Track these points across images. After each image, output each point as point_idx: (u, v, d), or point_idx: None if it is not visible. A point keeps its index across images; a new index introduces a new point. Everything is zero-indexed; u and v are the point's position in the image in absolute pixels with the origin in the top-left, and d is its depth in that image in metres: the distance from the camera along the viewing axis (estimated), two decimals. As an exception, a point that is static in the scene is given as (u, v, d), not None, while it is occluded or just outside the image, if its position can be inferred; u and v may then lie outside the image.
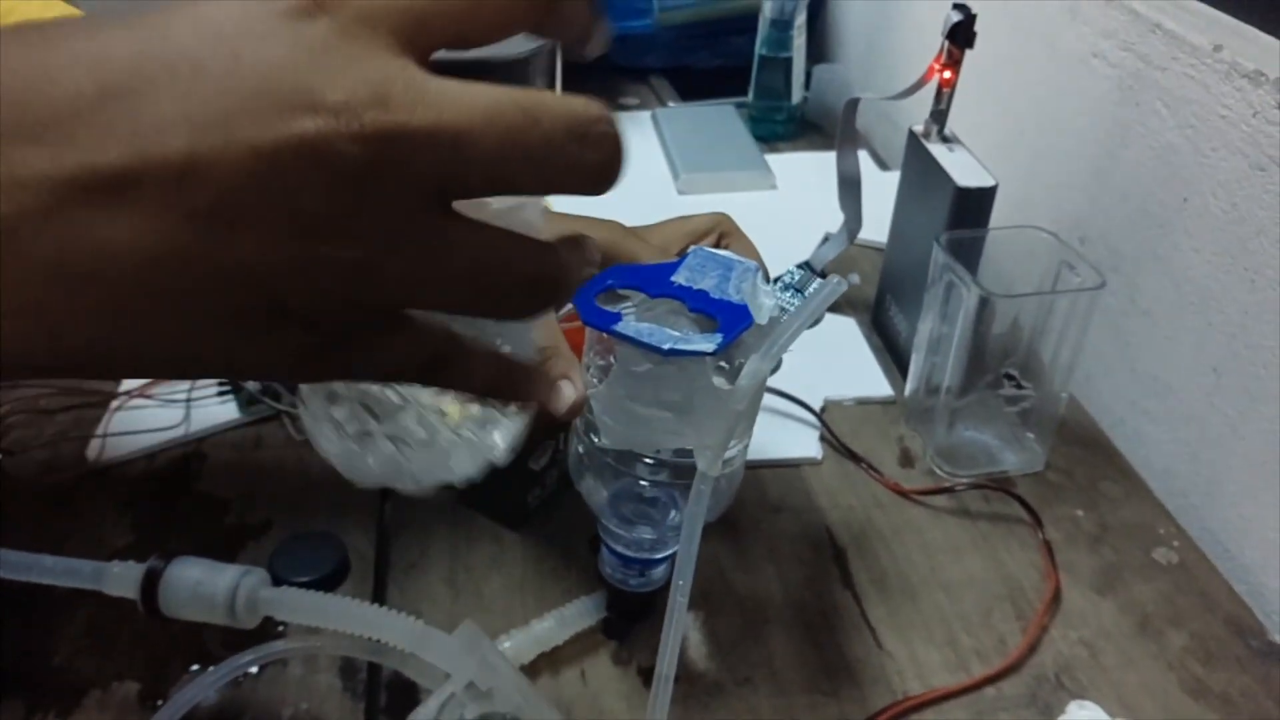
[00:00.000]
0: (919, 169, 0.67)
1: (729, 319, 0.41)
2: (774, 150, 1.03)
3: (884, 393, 0.69)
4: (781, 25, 0.99)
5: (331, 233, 0.23)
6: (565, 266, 0.27)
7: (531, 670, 0.50)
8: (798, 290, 0.50)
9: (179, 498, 0.61)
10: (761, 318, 0.42)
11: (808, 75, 1.07)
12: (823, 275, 0.77)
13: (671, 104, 1.12)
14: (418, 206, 0.23)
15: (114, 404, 0.67)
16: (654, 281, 0.44)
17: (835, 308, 0.78)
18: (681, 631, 0.40)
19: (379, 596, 0.55)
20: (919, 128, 0.68)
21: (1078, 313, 0.59)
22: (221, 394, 0.67)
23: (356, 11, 0.23)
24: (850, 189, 0.73)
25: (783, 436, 0.65)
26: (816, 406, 0.67)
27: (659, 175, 0.97)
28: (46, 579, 0.47)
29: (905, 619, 0.54)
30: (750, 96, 1.05)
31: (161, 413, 0.66)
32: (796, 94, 1.04)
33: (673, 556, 0.52)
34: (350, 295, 0.24)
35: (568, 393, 0.44)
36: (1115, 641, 0.53)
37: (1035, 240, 0.62)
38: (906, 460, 0.64)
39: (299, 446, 0.64)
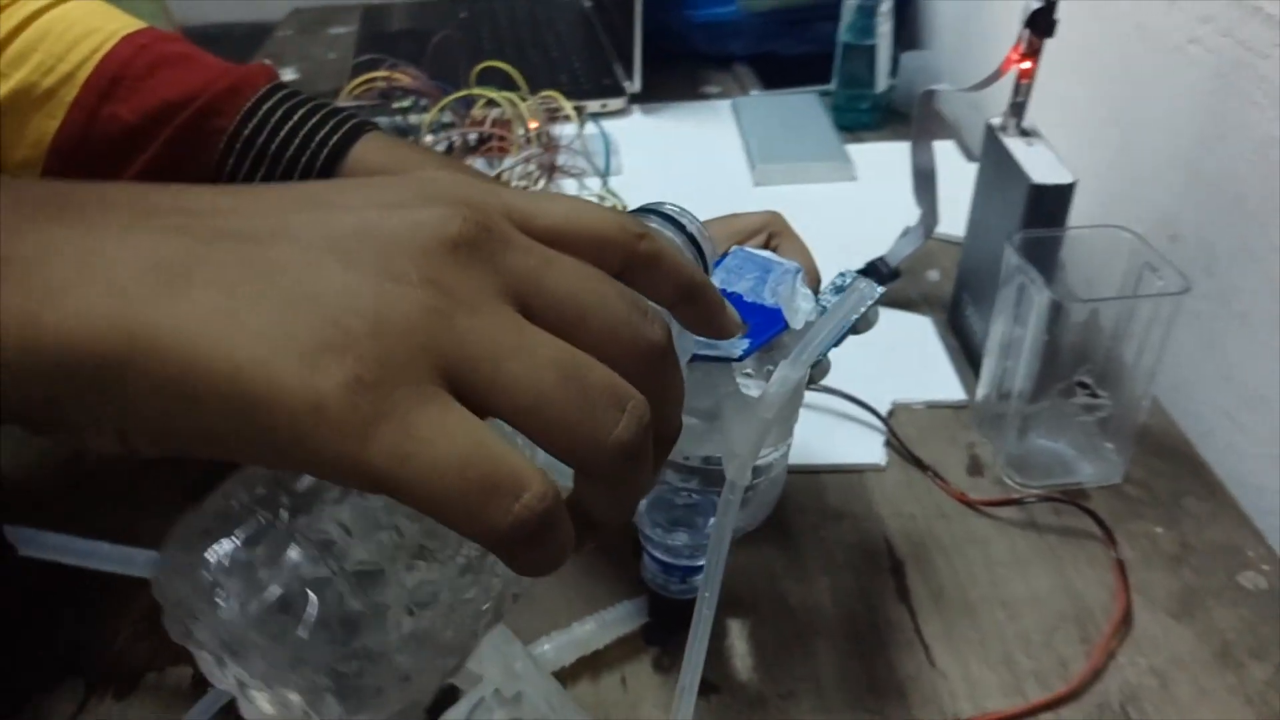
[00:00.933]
0: (995, 164, 0.64)
1: (760, 323, 0.40)
2: (857, 140, 1.00)
3: (956, 397, 0.67)
4: (866, 11, 0.96)
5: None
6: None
7: (572, 673, 0.50)
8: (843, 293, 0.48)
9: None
10: (797, 322, 0.41)
11: (895, 63, 1.03)
12: (895, 274, 0.75)
13: (754, 92, 1.10)
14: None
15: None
16: None
17: (910, 306, 0.75)
18: (705, 644, 0.39)
19: (427, 592, 0.55)
20: (997, 121, 0.65)
21: (1161, 317, 0.56)
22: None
23: None
24: (925, 183, 0.71)
25: (845, 441, 0.63)
26: (884, 409, 0.65)
27: (735, 166, 0.95)
28: (105, 566, 0.48)
29: (961, 636, 0.52)
30: (833, 85, 1.02)
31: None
32: (882, 82, 1.00)
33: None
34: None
35: None
36: (1189, 671, 0.50)
37: (1117, 240, 0.59)
38: (975, 469, 0.62)
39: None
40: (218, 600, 0.25)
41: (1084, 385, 0.59)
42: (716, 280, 0.43)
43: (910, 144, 0.70)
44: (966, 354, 0.70)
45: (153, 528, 0.59)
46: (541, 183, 0.81)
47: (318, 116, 0.53)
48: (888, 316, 0.74)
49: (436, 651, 0.28)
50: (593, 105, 1.04)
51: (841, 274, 0.49)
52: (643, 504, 0.46)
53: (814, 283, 0.51)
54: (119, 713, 0.50)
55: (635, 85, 1.04)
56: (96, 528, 0.57)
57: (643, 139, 1.01)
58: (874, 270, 0.75)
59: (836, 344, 0.48)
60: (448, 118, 0.87)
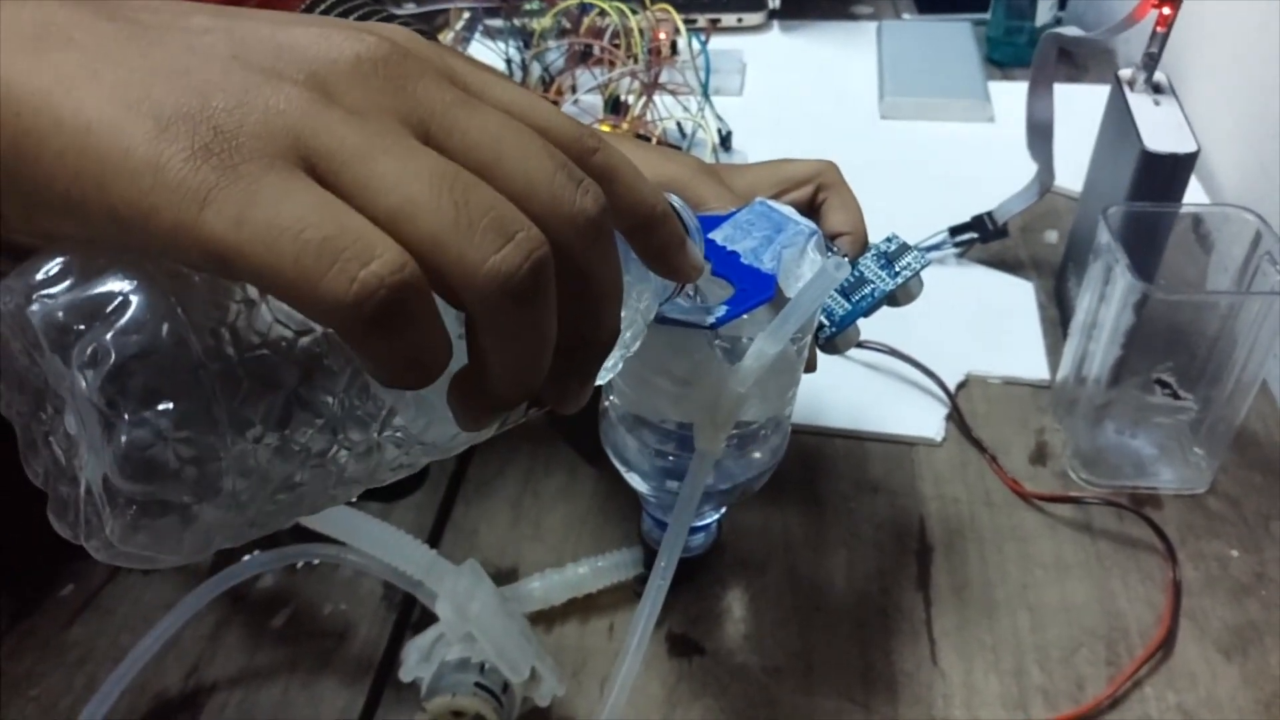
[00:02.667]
0: (1116, 122, 0.57)
1: (747, 289, 0.37)
2: (1008, 77, 0.92)
3: (1039, 375, 0.61)
4: (1034, -67, 0.87)
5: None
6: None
7: (562, 613, 0.50)
8: (888, 262, 0.44)
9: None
10: (794, 290, 0.37)
11: (1065, -5, 0.93)
12: (1002, 231, 0.68)
13: (906, 16, 1.02)
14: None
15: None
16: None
17: (1015, 268, 0.69)
18: (655, 615, 0.37)
19: (444, 509, 0.55)
20: (1126, 73, 0.57)
21: (1274, 316, 0.49)
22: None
23: None
24: (1041, 136, 0.64)
25: (902, 409, 0.59)
26: (957, 378, 0.61)
27: (865, 95, 0.89)
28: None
29: (974, 637, 0.48)
30: (990, 14, 0.93)
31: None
32: (1044, 14, 0.91)
33: (713, 524, 0.49)
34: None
35: None
36: (1225, 717, 0.45)
37: (1237, 223, 0.52)
38: (1040, 457, 0.56)
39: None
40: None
41: (1163, 384, 0.53)
42: (720, 235, 0.39)
43: (1027, 90, 0.63)
44: (1064, 329, 0.64)
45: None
46: (640, 101, 0.78)
47: (376, 18, 0.52)
48: (986, 279, 0.69)
49: (268, 485, 0.25)
50: (728, 19, 0.99)
51: (889, 238, 0.45)
52: (629, 453, 0.44)
53: (861, 248, 0.47)
54: (143, 584, 0.53)
55: (775, 1, 0.99)
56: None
57: (775, 59, 0.96)
58: (980, 225, 0.69)
59: (867, 314, 0.45)
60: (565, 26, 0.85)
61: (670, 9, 0.82)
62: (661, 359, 0.38)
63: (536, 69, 0.85)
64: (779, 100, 0.89)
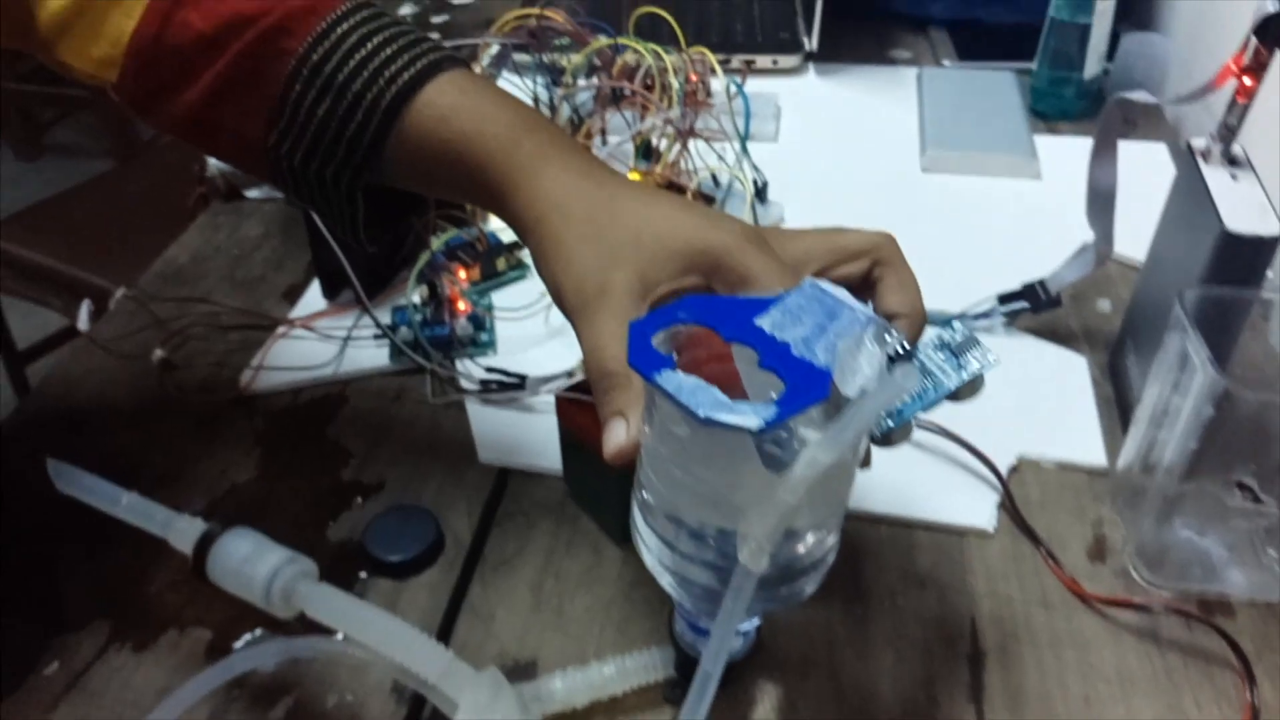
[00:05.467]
0: (1188, 194, 0.53)
1: (799, 386, 0.33)
2: (1053, 131, 0.88)
3: (1095, 460, 0.57)
4: (1085, -16, 0.84)
5: None
6: None
7: (585, 715, 0.46)
8: (954, 354, 0.40)
9: (308, 440, 0.60)
10: (850, 388, 0.34)
11: (1113, 44, 0.90)
12: (1055, 301, 0.65)
13: (946, 63, 0.99)
14: None
15: (279, 330, 0.67)
16: (733, 320, 0.36)
17: (1067, 339, 0.66)
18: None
19: (459, 590, 0.52)
20: (1199, 142, 0.54)
21: (1365, 418, 0.45)
22: (378, 337, 0.66)
23: None
24: (1103, 206, 0.60)
25: (952, 495, 0.55)
26: (1009, 460, 0.57)
27: (906, 145, 0.86)
28: (123, 516, 0.47)
29: (1034, 760, 0.44)
30: (1035, 64, 0.90)
31: (318, 347, 0.66)
32: (1092, 67, 0.88)
33: (753, 630, 0.45)
34: None
35: (616, 434, 0.38)
36: None
37: (1324, 313, 0.48)
38: (1098, 552, 0.53)
39: (435, 407, 0.62)
40: None
41: (1245, 487, 0.49)
42: (768, 321, 0.36)
43: (1090, 156, 0.60)
44: (1120, 409, 0.60)
45: (215, 465, 0.59)
46: (675, 148, 0.75)
47: (392, 48, 0.48)
48: (1037, 351, 0.65)
49: None
50: (763, 60, 0.96)
51: (951, 325, 0.42)
52: (662, 556, 0.41)
53: (919, 330, 0.43)
54: (134, 665, 0.49)
55: (812, 44, 0.95)
56: (145, 472, 0.56)
57: (811, 103, 0.92)
58: (1032, 294, 0.65)
59: (927, 408, 0.41)
60: (596, 63, 0.82)
61: (706, 51, 0.79)
62: (696, 460, 0.34)
63: (566, 109, 0.82)
64: (816, 147, 0.86)
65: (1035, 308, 0.65)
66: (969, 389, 0.41)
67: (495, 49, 0.84)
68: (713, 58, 0.78)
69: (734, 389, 0.37)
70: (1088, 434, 0.59)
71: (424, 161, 0.48)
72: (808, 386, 0.34)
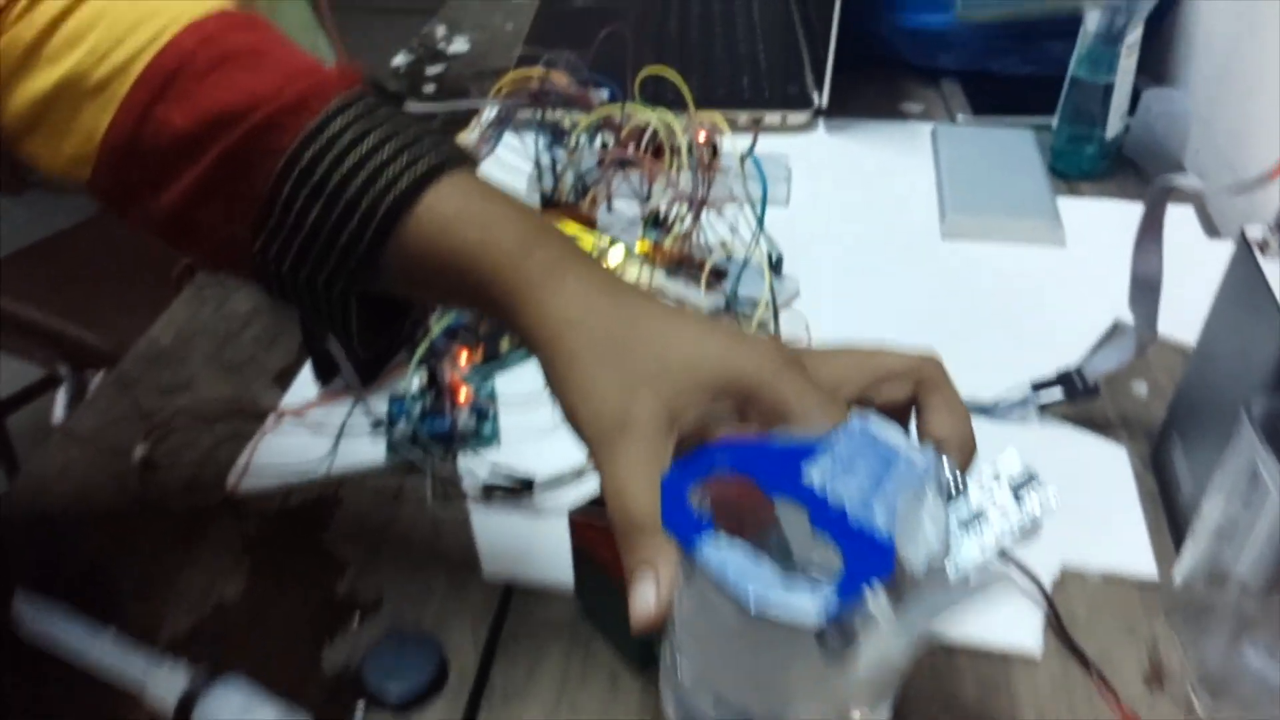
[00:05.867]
0: (1245, 289, 0.50)
1: (859, 561, 0.29)
2: (1074, 192, 0.85)
3: (1144, 570, 0.53)
4: (1107, 41, 0.81)
5: None
6: None
7: None
8: (1014, 492, 0.37)
9: (301, 549, 0.56)
10: (916, 558, 0.30)
11: (1134, 100, 0.87)
12: (1093, 390, 0.61)
13: (960, 117, 0.95)
14: None
15: (269, 419, 0.63)
16: (776, 471, 0.32)
17: (1103, 428, 0.62)
18: None
19: (466, 725, 0.48)
20: (1255, 232, 0.50)
21: None
22: (374, 430, 0.62)
23: None
24: (1146, 293, 0.57)
25: (994, 612, 0.51)
26: (1054, 569, 0.53)
27: (923, 209, 0.82)
28: (98, 662, 0.43)
29: None
30: (1055, 121, 0.87)
31: (311, 442, 0.62)
32: (1114, 126, 0.85)
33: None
34: None
35: (644, 597, 0.34)
36: None
37: (1401, 427, 0.44)
38: (1155, 677, 0.49)
39: (435, 511, 0.58)
40: None
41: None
42: (817, 473, 0.32)
43: (1134, 242, 0.56)
44: (1166, 507, 0.57)
45: (201, 576, 0.55)
46: (686, 218, 0.71)
47: (389, 148, 0.44)
48: (1073, 442, 0.61)
49: None
50: (772, 117, 0.93)
51: (1008, 458, 0.38)
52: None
53: (968, 459, 0.39)
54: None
55: (822, 100, 0.92)
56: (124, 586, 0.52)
57: (823, 163, 0.89)
58: (1068, 383, 0.61)
59: (985, 563, 0.37)
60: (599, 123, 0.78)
61: (719, 116, 0.75)
62: (740, 643, 0.31)
63: (570, 176, 0.78)
64: (829, 211, 0.82)
65: (1071, 397, 0.61)
66: (1028, 532, 0.37)
67: (494, 110, 0.80)
68: (723, 122, 0.75)
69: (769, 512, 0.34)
70: (1134, 539, 0.55)
71: (424, 271, 0.44)
72: (869, 561, 0.30)
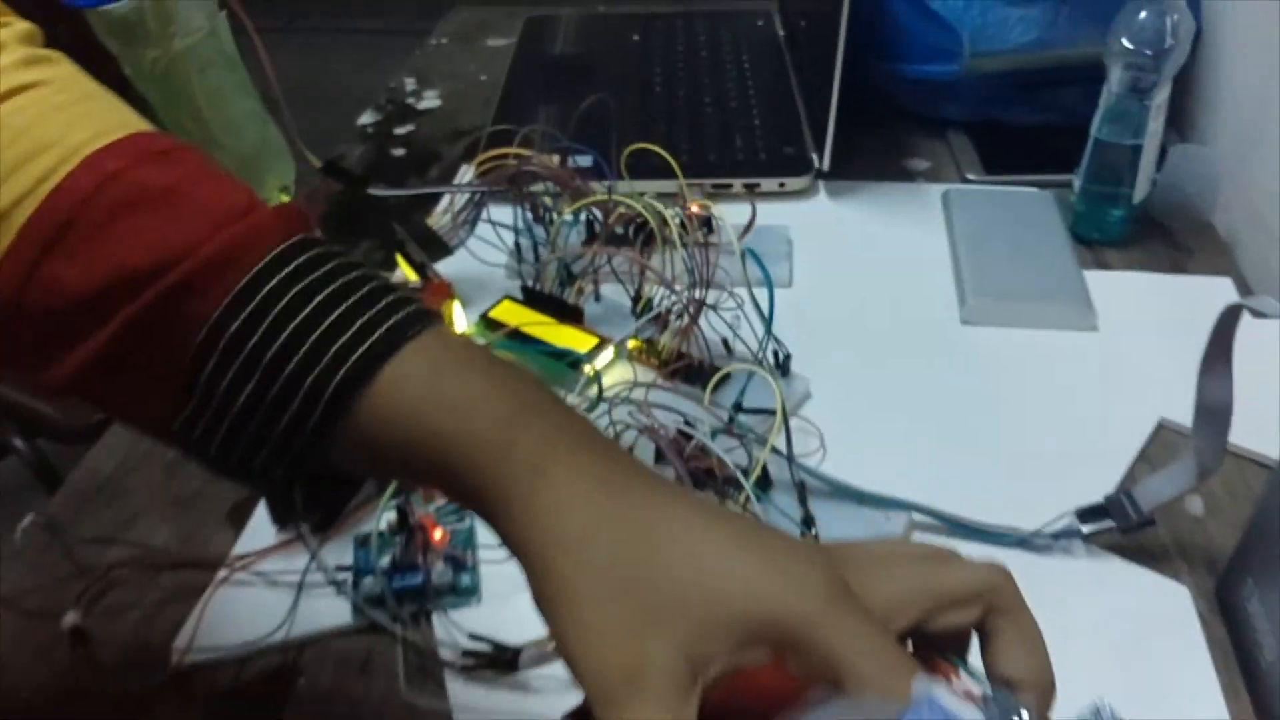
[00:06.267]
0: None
1: None
2: (1101, 263, 0.78)
3: (1220, 737, 0.47)
4: (1132, 101, 0.74)
5: None
6: None
7: None
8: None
9: (256, 740, 0.49)
10: None
11: (1160, 158, 0.80)
12: (1147, 521, 0.54)
13: (970, 176, 0.89)
14: None
15: (219, 574, 0.56)
16: None
17: (1159, 560, 0.55)
18: None
19: None
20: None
21: None
22: (337, 584, 0.55)
23: None
24: (1213, 421, 0.50)
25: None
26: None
27: (939, 287, 0.75)
28: None
29: None
30: (1076, 183, 0.80)
31: (268, 597, 0.55)
32: (1141, 190, 0.78)
33: None
34: None
35: None
36: None
37: None
38: None
39: (409, 695, 0.51)
40: None
41: None
42: None
43: (1200, 365, 0.50)
44: (1239, 658, 0.50)
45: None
46: (683, 312, 0.64)
47: (337, 312, 0.36)
48: (1127, 579, 0.55)
49: None
50: (768, 184, 0.86)
51: (1095, 711, 0.31)
52: None
53: (1048, 705, 0.32)
54: None
55: (823, 163, 0.85)
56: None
57: (826, 234, 0.82)
58: (1117, 511, 0.55)
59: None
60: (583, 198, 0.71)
61: (710, 204, 0.69)
62: None
63: (553, 267, 0.71)
64: (836, 292, 0.75)
65: (1122, 527, 0.55)
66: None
67: (468, 196, 0.73)
68: (716, 209, 0.68)
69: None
70: (1205, 696, 0.49)
71: (384, 458, 0.37)
72: None
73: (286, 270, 0.37)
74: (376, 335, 0.36)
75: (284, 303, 0.36)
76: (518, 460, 0.34)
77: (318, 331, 0.36)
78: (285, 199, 0.70)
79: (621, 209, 0.67)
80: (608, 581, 0.32)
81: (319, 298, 0.37)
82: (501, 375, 0.37)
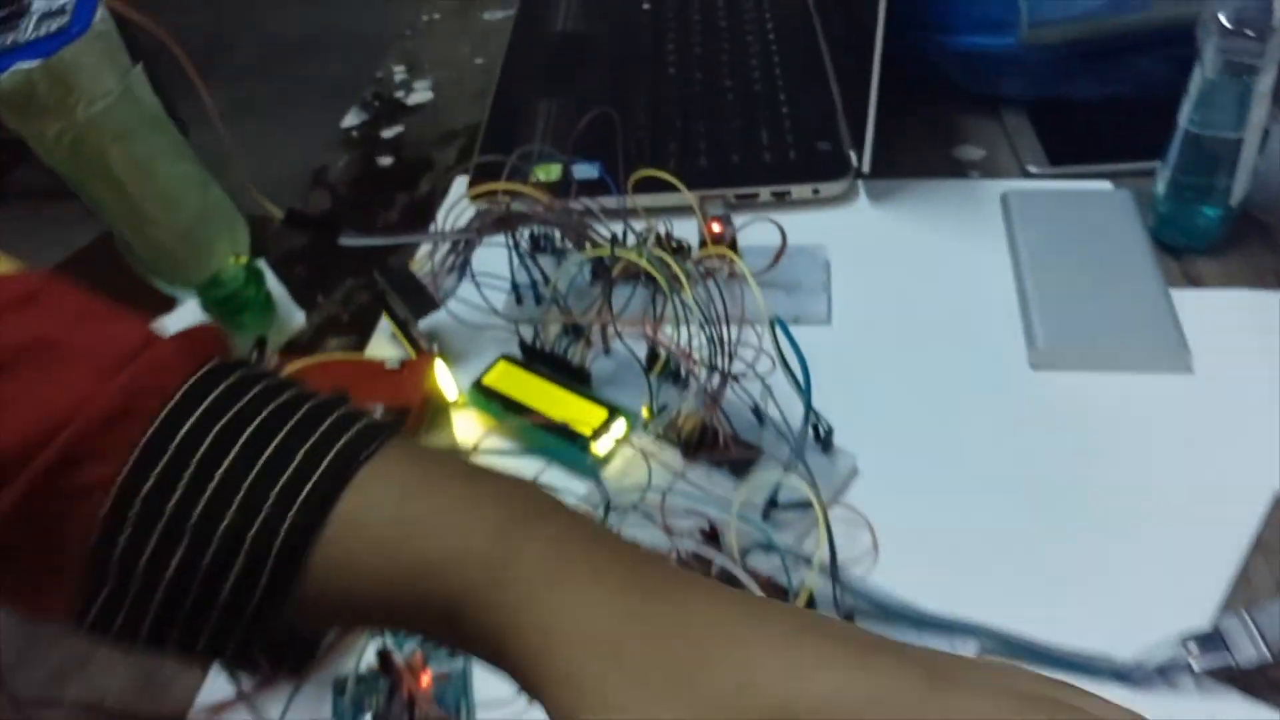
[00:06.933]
0: None
1: None
2: (1190, 277, 0.67)
3: None
4: (1230, 87, 0.62)
5: None
6: None
7: None
8: None
9: None
10: None
11: (1261, 144, 0.69)
12: (1269, 658, 0.45)
13: (1032, 169, 0.77)
14: None
15: (180, 738, 0.49)
16: None
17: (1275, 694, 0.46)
18: None
19: None
20: None
21: None
22: (311, 749, 0.48)
23: None
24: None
25: None
26: None
27: (1002, 321, 0.65)
28: None
29: None
30: (1160, 182, 0.69)
31: (234, 768, 0.47)
32: (1241, 189, 0.67)
33: None
34: None
35: None
36: None
37: None
38: None
39: None
40: None
41: None
42: None
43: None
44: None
45: None
46: (703, 376, 0.55)
47: (274, 445, 0.29)
48: (1246, 714, 0.46)
49: None
50: (800, 190, 0.75)
51: None
52: None
53: None
54: None
55: (864, 163, 0.75)
56: None
57: (868, 252, 0.71)
58: (1235, 642, 0.45)
59: None
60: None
61: (730, 252, 0.59)
62: None
63: (556, 329, 0.62)
64: (881, 333, 0.65)
65: (1243, 663, 0.45)
66: None
67: (444, 250, 0.63)
68: (736, 257, 0.58)
69: None
70: None
71: (360, 609, 0.30)
72: None
73: (201, 408, 0.30)
74: (325, 466, 0.29)
75: (204, 447, 0.29)
76: (524, 572, 0.28)
77: (252, 474, 0.29)
78: (242, 261, 0.61)
79: (626, 263, 0.58)
80: (650, 689, 0.25)
81: (246, 433, 0.30)
82: (489, 483, 0.30)
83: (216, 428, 0.29)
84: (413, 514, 0.29)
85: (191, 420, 0.29)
